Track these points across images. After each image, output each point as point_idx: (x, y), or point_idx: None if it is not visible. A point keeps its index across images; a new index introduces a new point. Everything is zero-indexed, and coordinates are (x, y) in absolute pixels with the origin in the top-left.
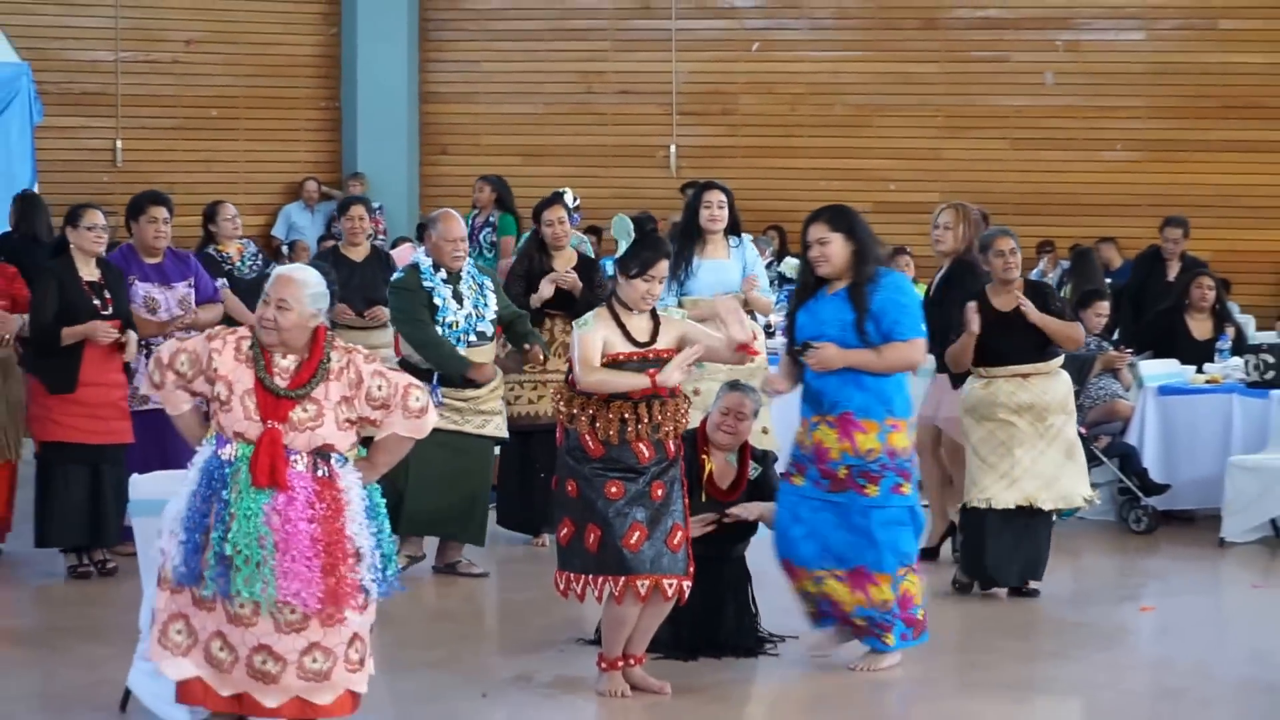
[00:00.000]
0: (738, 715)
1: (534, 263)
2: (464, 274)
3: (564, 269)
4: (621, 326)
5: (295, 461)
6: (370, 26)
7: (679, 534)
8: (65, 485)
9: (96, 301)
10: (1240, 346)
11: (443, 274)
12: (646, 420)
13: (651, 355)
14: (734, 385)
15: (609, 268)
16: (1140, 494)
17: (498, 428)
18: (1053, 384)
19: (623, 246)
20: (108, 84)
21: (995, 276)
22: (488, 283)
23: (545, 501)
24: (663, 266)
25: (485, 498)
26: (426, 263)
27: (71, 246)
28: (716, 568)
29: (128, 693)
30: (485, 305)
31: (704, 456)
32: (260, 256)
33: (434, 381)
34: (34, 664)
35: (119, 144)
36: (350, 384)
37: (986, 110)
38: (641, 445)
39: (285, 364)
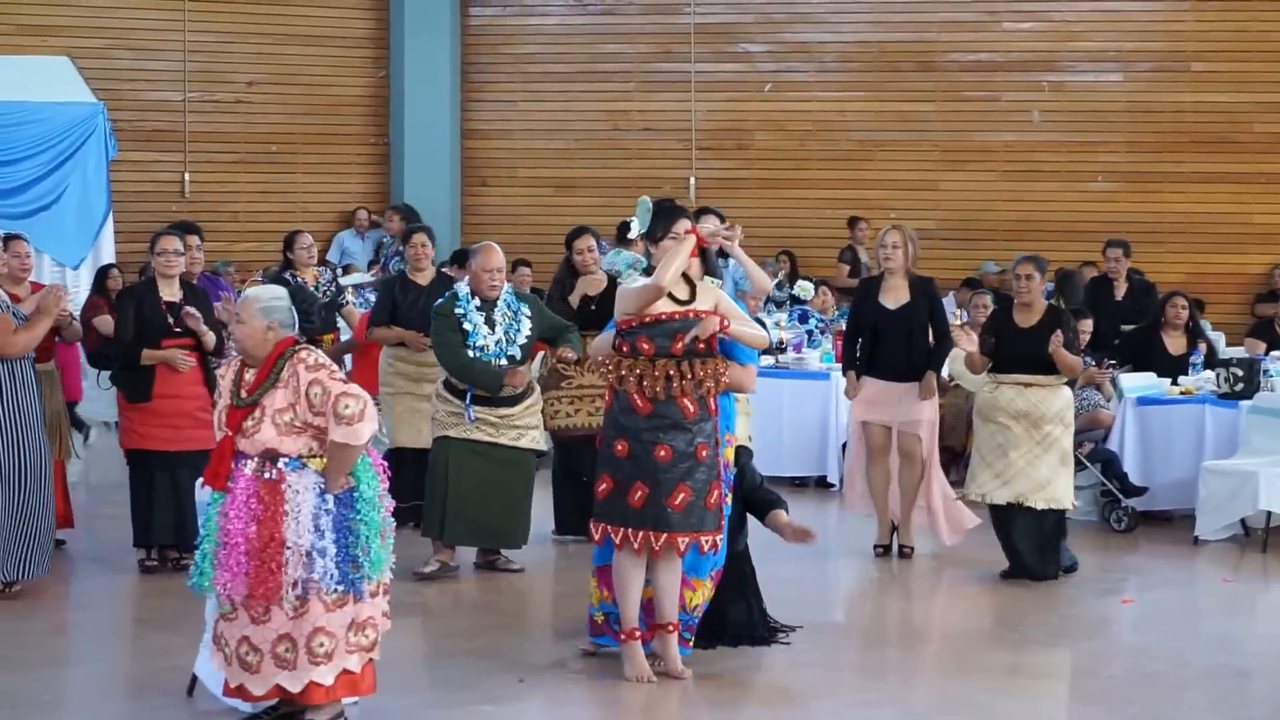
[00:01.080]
0: (755, 699)
1: (566, 288)
2: (500, 301)
3: (594, 293)
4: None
5: (245, 465)
6: (416, 69)
7: (715, 492)
8: (149, 489)
9: (171, 320)
10: (1212, 361)
11: (477, 301)
12: (690, 376)
13: (692, 314)
14: None
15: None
16: (1121, 496)
17: (534, 440)
18: (1051, 396)
19: (643, 222)
20: (176, 122)
21: (1016, 297)
22: (524, 309)
23: (573, 505)
24: (684, 223)
25: (525, 507)
26: (464, 290)
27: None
28: (725, 559)
29: (194, 679)
30: (517, 330)
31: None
32: (335, 284)
33: (467, 400)
34: (107, 653)
35: (187, 177)
36: (294, 391)
37: (979, 145)
38: (686, 401)
39: (249, 377)
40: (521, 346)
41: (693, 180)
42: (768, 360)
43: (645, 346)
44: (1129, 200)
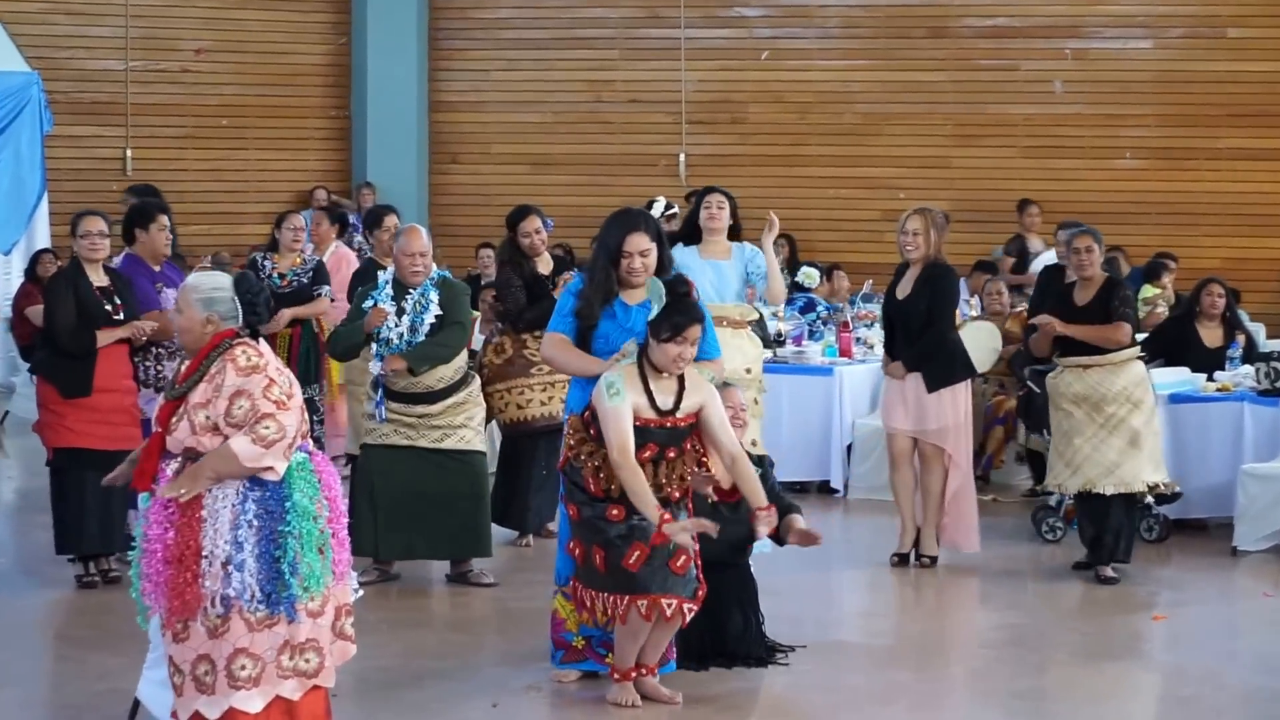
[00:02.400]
0: None
1: (523, 270)
2: (421, 290)
3: (546, 272)
4: (648, 391)
5: (169, 465)
6: (380, 36)
7: (682, 557)
8: (80, 492)
9: (109, 307)
10: (1251, 354)
11: (391, 289)
12: (649, 481)
13: (669, 424)
14: (726, 385)
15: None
16: (1152, 502)
17: (464, 441)
18: (1112, 376)
19: (654, 309)
20: (117, 93)
21: (1075, 272)
22: (433, 296)
23: (537, 502)
24: (695, 331)
25: (477, 511)
26: (388, 274)
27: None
28: (719, 575)
29: (136, 703)
30: (421, 321)
31: (705, 460)
32: (315, 270)
33: (379, 396)
34: (43, 674)
35: (129, 153)
36: (215, 389)
37: (995, 118)
38: None
39: (183, 371)
40: (427, 337)
41: (683, 157)
42: (768, 356)
43: (610, 439)
44: (1159, 179)
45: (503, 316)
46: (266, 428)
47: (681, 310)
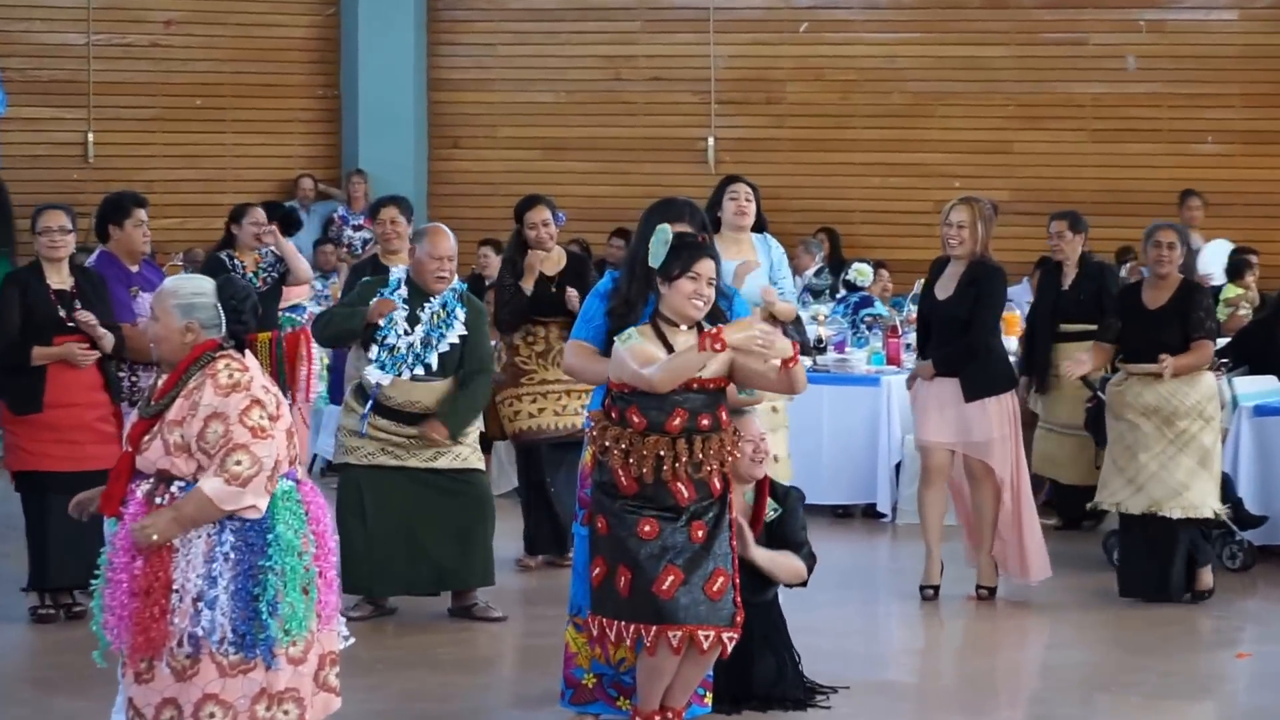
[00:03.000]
0: None
1: (518, 268)
2: (441, 300)
3: (552, 272)
4: (669, 349)
5: (139, 487)
6: (372, 6)
7: (720, 579)
8: (42, 520)
9: (63, 313)
10: None
11: (405, 291)
12: (686, 458)
13: (697, 385)
14: (739, 414)
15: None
16: (1235, 527)
17: (461, 458)
18: (1186, 387)
19: (657, 255)
20: (79, 71)
21: (1150, 269)
22: (460, 314)
23: (545, 520)
24: (708, 265)
25: (478, 536)
26: (400, 273)
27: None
28: (748, 610)
29: None
30: (441, 337)
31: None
32: (278, 268)
33: (367, 407)
34: None
35: (90, 137)
36: (192, 405)
37: (1061, 98)
38: (680, 485)
39: (160, 385)
40: (442, 356)
41: (711, 141)
42: (805, 363)
43: (635, 419)
44: (1244, 165)
45: (496, 320)
46: (238, 463)
47: (687, 244)
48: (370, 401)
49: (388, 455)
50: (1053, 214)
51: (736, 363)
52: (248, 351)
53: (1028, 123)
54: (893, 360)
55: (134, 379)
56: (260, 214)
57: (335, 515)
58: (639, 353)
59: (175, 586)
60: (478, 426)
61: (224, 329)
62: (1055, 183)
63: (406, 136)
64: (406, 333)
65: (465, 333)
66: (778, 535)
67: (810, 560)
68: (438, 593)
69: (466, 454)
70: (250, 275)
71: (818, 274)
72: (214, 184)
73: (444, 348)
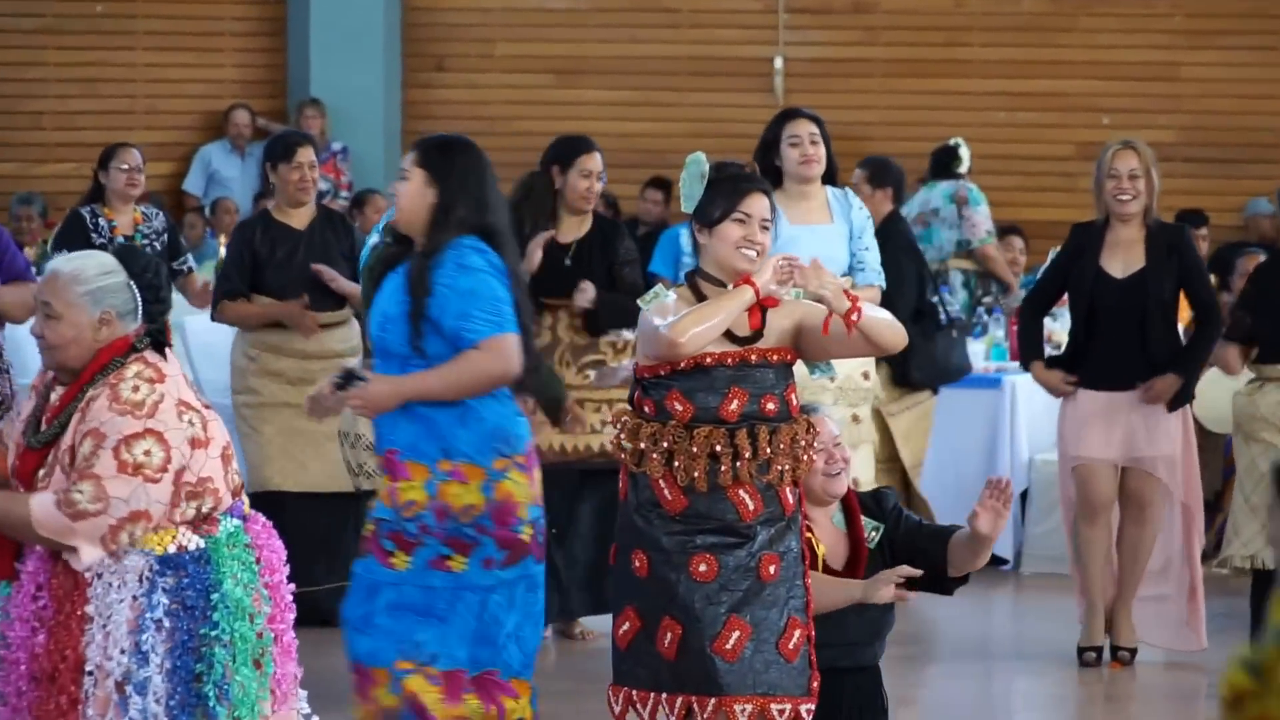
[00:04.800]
0: None
1: (526, 229)
2: None
3: (569, 238)
4: None
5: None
6: None
7: (796, 633)
8: None
9: None
10: None
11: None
12: (749, 455)
13: (755, 358)
14: (809, 410)
15: (684, 241)
16: None
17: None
18: None
19: (691, 192)
20: None
21: None
22: None
23: (561, 572)
24: (760, 203)
25: None
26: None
27: None
28: (837, 680)
29: None
30: None
31: (805, 533)
32: (168, 232)
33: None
34: None
35: None
36: (82, 421)
37: (1243, 8)
38: (744, 493)
39: (56, 399)
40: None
41: (779, 63)
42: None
43: (678, 407)
44: None
45: None
46: (81, 492)
47: (734, 176)
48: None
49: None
50: (860, 161)
51: (802, 327)
52: (170, 355)
53: (1198, 39)
54: (1017, 352)
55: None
56: (137, 156)
57: None
58: (663, 309)
59: (89, 667)
60: None
61: (139, 315)
62: (1233, 119)
63: (374, 57)
64: None
65: None
66: (903, 550)
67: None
68: None
69: None
70: (120, 240)
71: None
72: (121, 117)
73: None
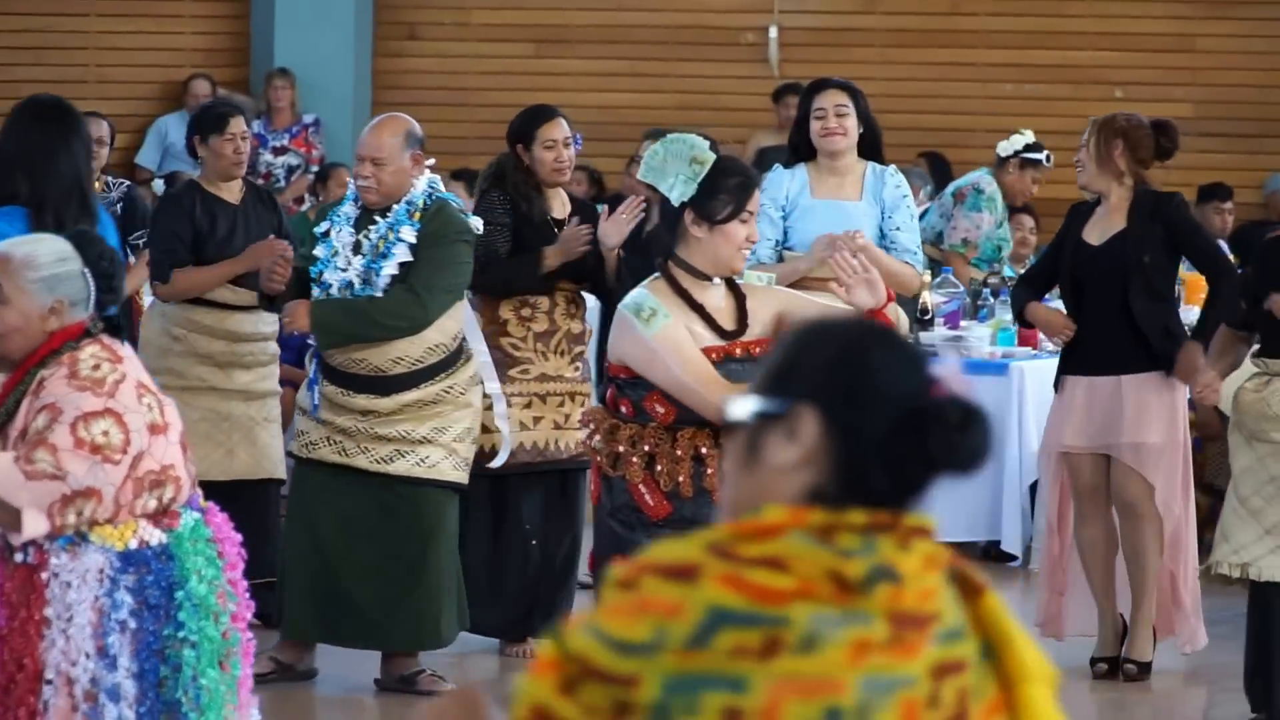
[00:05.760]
0: None
1: (520, 208)
2: (390, 221)
3: (561, 214)
4: (698, 309)
5: None
6: None
7: None
8: None
9: None
10: None
11: (353, 210)
12: None
13: (741, 351)
14: None
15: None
16: None
17: (426, 464)
18: None
19: (685, 180)
20: None
21: None
22: (411, 236)
23: (529, 583)
24: (758, 198)
25: (422, 581)
26: (353, 190)
27: None
28: None
29: None
30: (379, 268)
31: None
32: (131, 201)
33: (312, 372)
34: None
35: None
36: (35, 400)
37: None
38: None
39: None
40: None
41: (774, 33)
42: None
43: (660, 409)
44: None
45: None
46: (42, 458)
47: (730, 171)
48: (315, 362)
49: (330, 447)
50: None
51: (783, 316)
52: (125, 343)
53: (1217, 8)
54: (1027, 339)
55: None
56: (104, 126)
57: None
58: (679, 348)
59: (49, 675)
60: (467, 419)
61: (91, 304)
62: (1255, 92)
63: (342, 22)
64: (344, 267)
65: (409, 258)
66: None
67: None
68: (370, 648)
69: (436, 458)
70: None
71: (922, 216)
72: (72, 87)
73: (384, 281)
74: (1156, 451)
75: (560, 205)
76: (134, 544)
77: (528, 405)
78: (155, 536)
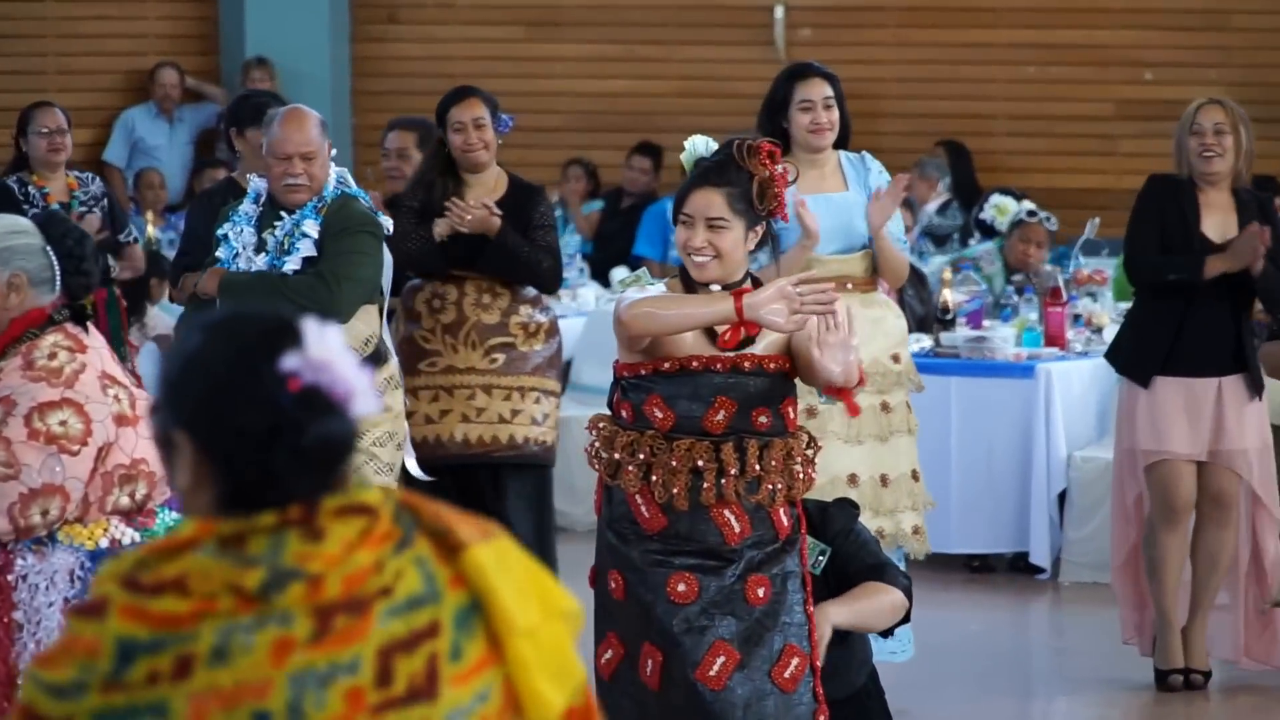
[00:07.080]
0: None
1: (435, 191)
2: (296, 218)
3: (482, 200)
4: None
5: None
6: None
7: (794, 661)
8: None
9: None
10: None
11: (253, 205)
12: (736, 472)
13: (746, 365)
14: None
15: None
16: None
17: (374, 469)
18: None
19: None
20: None
21: None
22: (314, 231)
23: None
24: (701, 200)
25: None
26: (260, 185)
27: None
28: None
29: None
30: (282, 265)
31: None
32: (104, 200)
33: None
34: None
35: None
36: None
37: None
38: (729, 514)
39: None
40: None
41: (779, 13)
42: (924, 344)
43: (658, 414)
44: None
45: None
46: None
47: (694, 171)
48: None
49: None
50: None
51: (796, 345)
52: (93, 330)
53: None
54: (1054, 340)
55: None
56: (59, 116)
57: None
58: (646, 298)
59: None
60: (385, 430)
61: (57, 286)
62: None
63: (318, 5)
64: (249, 262)
65: (314, 253)
66: (842, 579)
67: (903, 581)
68: None
69: (355, 463)
70: (57, 208)
71: (941, 210)
72: (30, 78)
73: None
74: (1255, 456)
75: (487, 188)
76: (105, 543)
77: (434, 399)
78: (128, 535)
